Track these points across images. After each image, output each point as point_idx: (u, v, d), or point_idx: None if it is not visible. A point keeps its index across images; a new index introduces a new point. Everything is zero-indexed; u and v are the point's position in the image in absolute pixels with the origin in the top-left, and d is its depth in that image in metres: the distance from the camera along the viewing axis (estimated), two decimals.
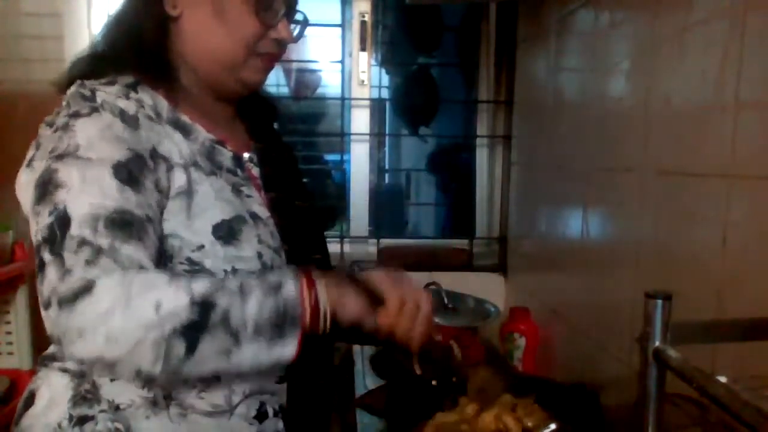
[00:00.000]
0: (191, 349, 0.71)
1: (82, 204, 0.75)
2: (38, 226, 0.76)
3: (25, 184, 0.81)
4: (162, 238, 0.82)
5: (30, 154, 0.83)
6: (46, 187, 0.77)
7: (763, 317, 0.66)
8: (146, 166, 0.81)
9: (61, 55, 1.92)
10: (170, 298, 0.72)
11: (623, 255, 1.21)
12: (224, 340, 0.73)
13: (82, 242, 0.73)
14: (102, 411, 0.83)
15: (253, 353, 0.75)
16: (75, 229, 0.73)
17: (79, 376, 0.85)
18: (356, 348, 1.65)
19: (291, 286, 0.78)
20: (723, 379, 0.52)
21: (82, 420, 0.83)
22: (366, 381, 1.49)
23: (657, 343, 0.59)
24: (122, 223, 0.75)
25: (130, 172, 0.78)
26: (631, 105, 1.20)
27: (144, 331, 0.70)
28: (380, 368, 1.53)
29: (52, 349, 0.90)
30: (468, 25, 2.23)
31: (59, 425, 0.83)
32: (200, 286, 0.74)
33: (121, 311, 0.70)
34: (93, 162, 0.77)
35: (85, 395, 0.84)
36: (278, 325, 0.75)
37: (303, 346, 0.77)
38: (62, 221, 0.74)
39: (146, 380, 0.78)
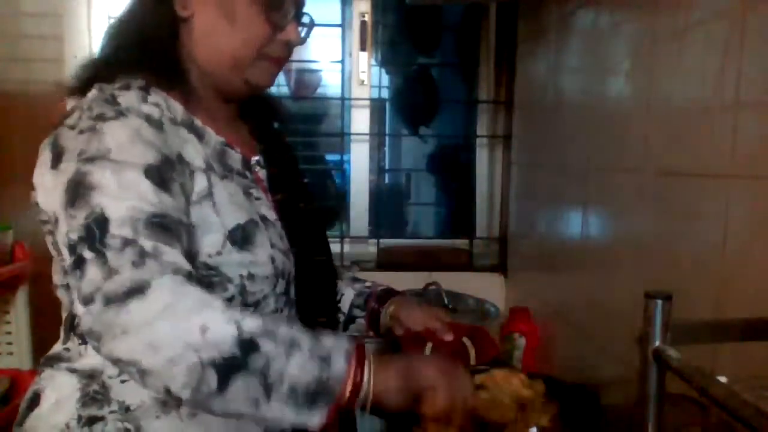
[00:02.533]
0: (222, 385, 0.68)
1: (120, 207, 0.73)
2: (72, 226, 0.74)
3: (51, 187, 0.79)
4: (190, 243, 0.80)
5: (48, 155, 0.80)
6: (79, 189, 0.75)
7: (763, 317, 0.66)
8: (175, 170, 0.80)
9: (61, 55, 1.92)
10: (218, 326, 0.69)
11: (623, 255, 1.21)
12: (257, 389, 0.69)
13: (125, 242, 0.71)
14: (112, 412, 0.83)
15: (279, 412, 0.71)
16: (115, 229, 0.72)
17: (88, 376, 0.84)
18: None
19: (341, 363, 0.73)
20: (723, 379, 0.52)
21: (91, 420, 0.82)
22: None
23: (657, 343, 0.59)
24: (161, 226, 0.74)
25: (162, 175, 0.78)
26: (631, 105, 1.20)
27: (184, 350, 0.68)
28: None
29: (56, 349, 0.90)
30: (468, 25, 2.23)
31: (67, 426, 0.82)
32: (251, 323, 0.71)
33: (170, 321, 0.68)
34: (126, 165, 0.76)
35: (95, 396, 0.83)
36: (314, 395, 0.71)
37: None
38: (100, 221, 0.72)
39: (173, 399, 0.73)
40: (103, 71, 0.86)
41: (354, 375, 0.74)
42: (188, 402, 0.71)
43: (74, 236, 0.73)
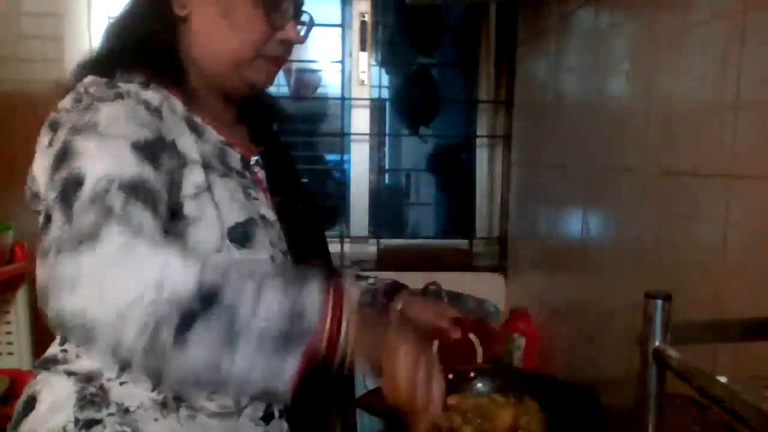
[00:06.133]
0: (181, 331, 0.62)
1: (98, 168, 0.71)
2: (51, 189, 0.72)
3: (44, 166, 0.77)
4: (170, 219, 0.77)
5: (46, 138, 0.79)
6: (63, 156, 0.73)
7: (763, 317, 0.66)
8: (166, 151, 0.79)
9: (61, 55, 1.92)
10: (178, 267, 0.64)
11: (623, 255, 1.21)
12: (220, 336, 0.63)
13: (94, 198, 0.68)
14: (110, 414, 0.82)
15: (248, 364, 0.64)
16: (88, 187, 0.69)
17: (86, 379, 0.83)
18: None
19: (314, 294, 0.68)
20: (723, 379, 0.52)
21: (89, 424, 0.81)
22: (366, 381, 1.49)
23: (657, 343, 0.59)
24: (137, 189, 0.70)
25: (151, 151, 0.76)
26: (631, 105, 1.20)
27: (140, 293, 0.61)
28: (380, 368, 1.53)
29: (52, 351, 0.88)
30: (468, 25, 2.23)
31: (64, 429, 0.81)
32: (212, 272, 0.65)
33: (124, 264, 0.63)
34: (113, 137, 0.75)
35: (92, 398, 0.82)
36: (287, 334, 0.65)
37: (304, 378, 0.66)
38: (76, 180, 0.70)
39: (122, 358, 0.65)
40: (101, 69, 0.85)
41: (332, 311, 0.68)
42: (140, 356, 0.62)
43: (50, 198, 0.71)
